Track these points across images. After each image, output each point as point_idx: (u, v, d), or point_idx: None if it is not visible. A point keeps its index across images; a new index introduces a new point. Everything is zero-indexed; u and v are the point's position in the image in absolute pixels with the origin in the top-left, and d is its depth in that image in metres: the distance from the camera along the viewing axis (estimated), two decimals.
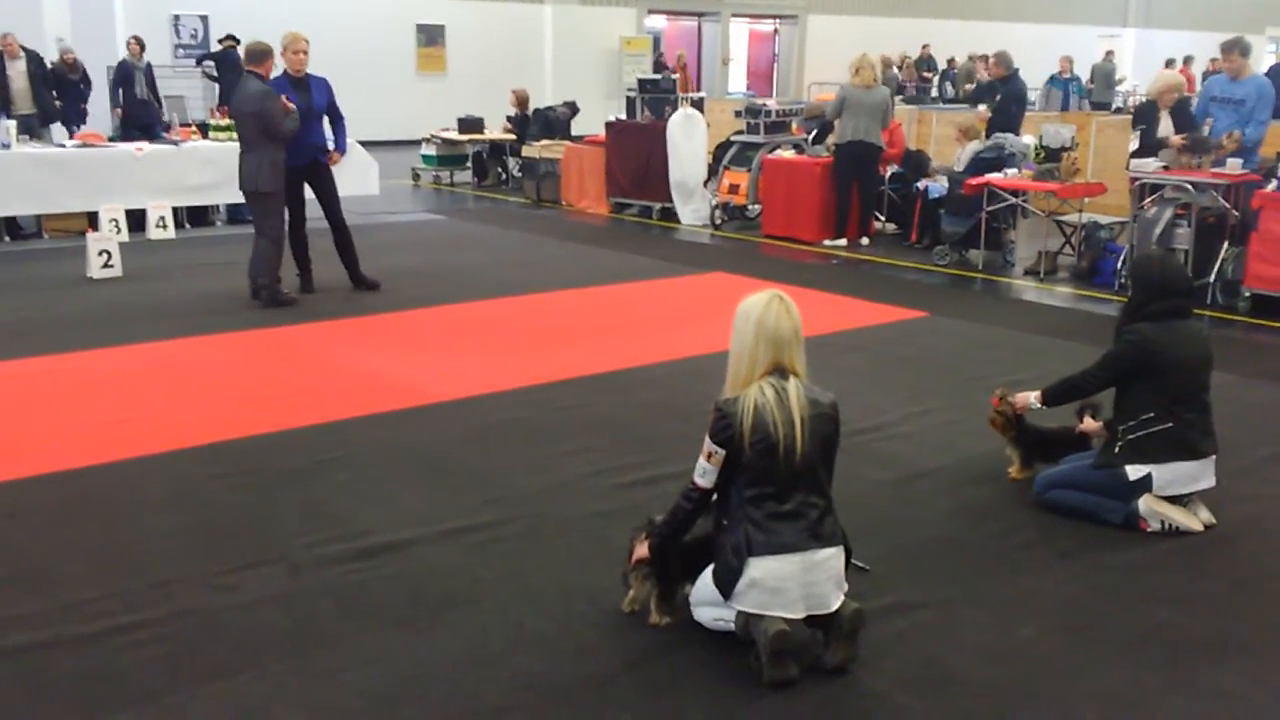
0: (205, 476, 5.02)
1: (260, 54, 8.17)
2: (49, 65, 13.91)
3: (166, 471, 5.08)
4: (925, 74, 24.27)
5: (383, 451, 5.36)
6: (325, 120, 8.74)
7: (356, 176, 11.86)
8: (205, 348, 7.22)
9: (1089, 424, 4.89)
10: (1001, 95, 11.52)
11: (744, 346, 3.49)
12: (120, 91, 14.22)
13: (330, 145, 8.80)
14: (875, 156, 11.20)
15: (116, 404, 6.07)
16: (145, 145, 11.56)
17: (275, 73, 8.33)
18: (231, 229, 11.70)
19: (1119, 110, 18.50)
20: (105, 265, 9.34)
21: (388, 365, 6.85)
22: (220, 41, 16.11)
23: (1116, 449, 4.51)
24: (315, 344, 7.38)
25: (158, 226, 11.33)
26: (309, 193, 8.70)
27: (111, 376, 6.59)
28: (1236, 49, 9.00)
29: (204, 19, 19.56)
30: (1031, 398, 4.85)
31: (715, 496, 3.56)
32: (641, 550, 3.64)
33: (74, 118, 14.04)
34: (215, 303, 8.42)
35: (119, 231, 10.69)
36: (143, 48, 14.66)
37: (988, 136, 10.80)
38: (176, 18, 19.53)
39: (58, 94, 13.92)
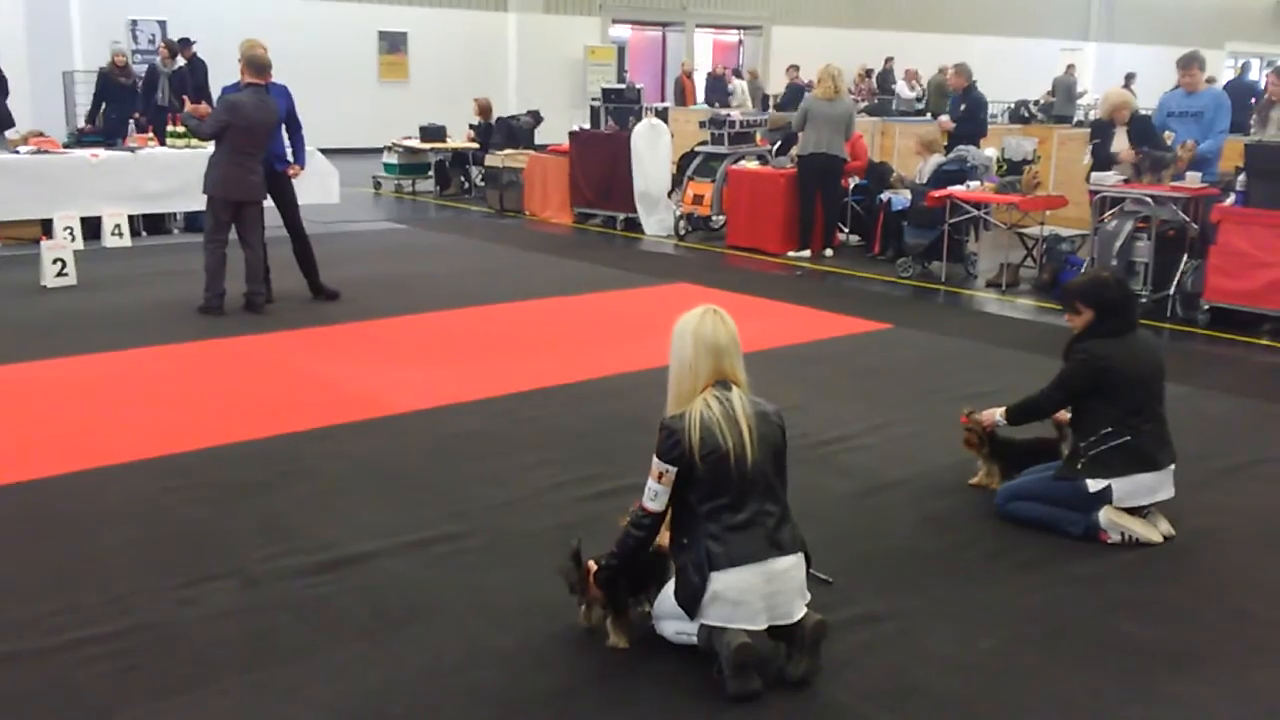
0: (162, 489, 4.95)
1: (267, 65, 8.18)
2: (102, 69, 13.80)
3: (122, 484, 5.00)
4: (887, 91, 24.50)
5: (342, 464, 5.31)
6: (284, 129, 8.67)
7: (317, 185, 11.73)
8: (162, 358, 7.13)
9: (1060, 414, 4.92)
10: (967, 105, 11.60)
11: (683, 361, 3.49)
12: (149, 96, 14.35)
13: (289, 155, 8.73)
14: (838, 168, 11.24)
15: (71, 415, 5.98)
16: (101, 152, 11.41)
17: (231, 80, 8.29)
18: (188, 237, 11.52)
19: (1080, 123, 18.69)
20: (60, 274, 9.20)
21: (347, 376, 6.79)
22: (183, 52, 15.79)
23: (1079, 465, 4.55)
24: (274, 354, 7.30)
25: (113, 234, 11.18)
26: (268, 201, 8.62)
27: (66, 387, 6.48)
28: (1195, 63, 9.13)
29: (162, 24, 19.34)
30: (997, 414, 4.88)
31: (670, 517, 3.52)
32: (595, 592, 3.60)
33: (121, 127, 13.57)
34: (172, 312, 8.32)
35: (74, 239, 10.53)
36: (173, 54, 14.54)
37: (950, 149, 10.87)
38: (134, 22, 19.32)
39: (107, 100, 13.66)
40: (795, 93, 21.74)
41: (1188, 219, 8.77)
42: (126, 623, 3.75)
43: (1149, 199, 8.79)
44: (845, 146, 11.21)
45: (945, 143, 11.01)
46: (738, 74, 24.28)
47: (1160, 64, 25.60)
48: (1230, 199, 8.45)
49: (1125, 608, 4.00)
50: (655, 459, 3.43)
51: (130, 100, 13.99)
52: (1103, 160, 9.29)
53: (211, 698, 3.33)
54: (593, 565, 3.61)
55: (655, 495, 3.44)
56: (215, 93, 10.11)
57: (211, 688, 3.38)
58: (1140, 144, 9.15)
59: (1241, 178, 8.37)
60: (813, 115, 11.10)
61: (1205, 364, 7.55)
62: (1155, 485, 4.54)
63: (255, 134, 8.10)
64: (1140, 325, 4.73)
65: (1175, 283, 8.81)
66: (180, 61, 14.61)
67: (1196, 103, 9.11)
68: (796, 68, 23.88)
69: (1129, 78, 25.25)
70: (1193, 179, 8.74)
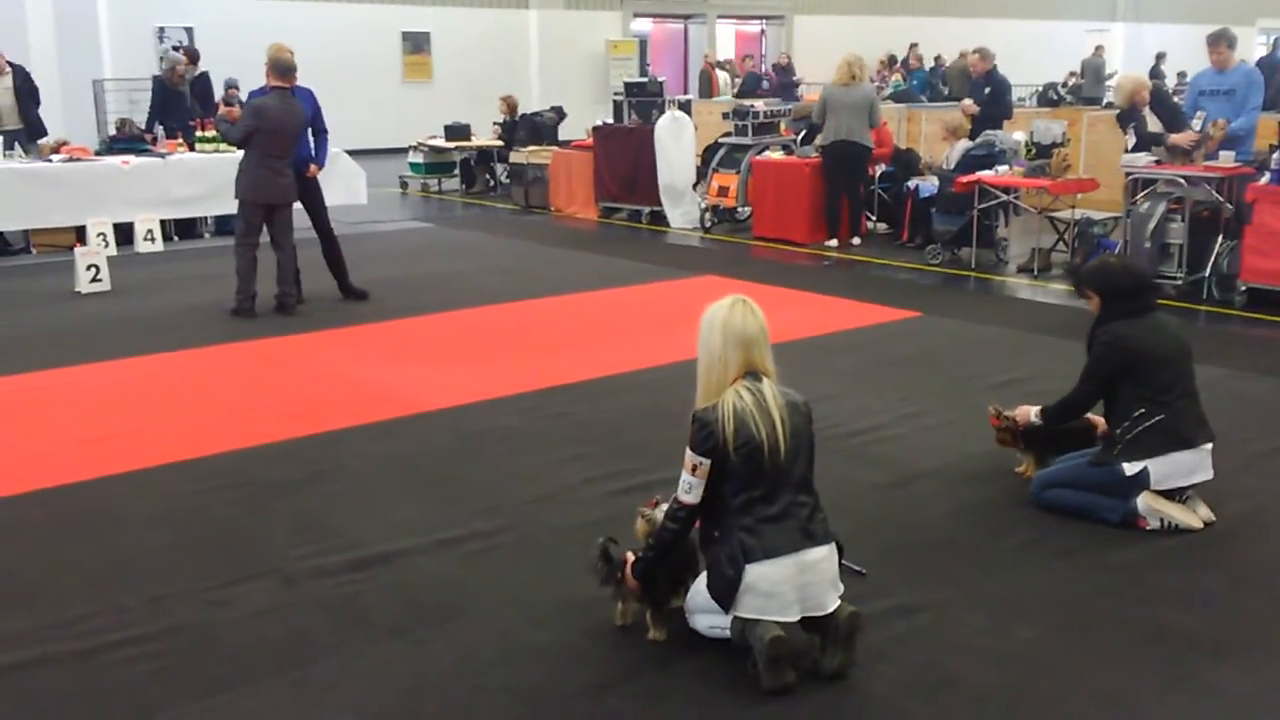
0: (196, 490, 4.98)
1: (291, 68, 8.21)
2: (158, 77, 13.82)
3: (157, 486, 5.04)
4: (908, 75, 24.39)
5: (374, 462, 5.32)
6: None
7: (344, 186, 11.80)
8: (195, 361, 7.18)
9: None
10: (991, 88, 11.47)
11: (713, 352, 3.47)
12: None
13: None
14: (861, 156, 11.11)
15: (106, 419, 6.03)
16: (132, 158, 11.50)
17: (258, 84, 8.33)
18: (219, 241, 11.61)
19: (1110, 105, 18.49)
20: (94, 280, 9.29)
21: (378, 375, 6.81)
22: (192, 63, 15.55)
23: (1115, 451, 4.49)
24: (305, 355, 7.34)
25: (146, 240, 11.27)
26: (297, 203, 8.66)
27: (101, 391, 6.54)
28: (1223, 41, 8.99)
29: (189, 31, 19.47)
30: (1032, 414, 4.85)
31: (701, 509, 3.51)
32: (631, 584, 3.59)
33: (182, 133, 13.29)
34: (204, 315, 8.37)
35: (107, 245, 10.62)
36: (194, 61, 14.53)
37: (975, 134, 10.76)
38: (161, 30, 19.45)
39: (164, 109, 13.70)
40: (754, 81, 21.88)
41: (1222, 199, 8.64)
42: (163, 624, 3.78)
43: (1182, 180, 8.67)
44: (870, 133, 11.11)
45: (969, 127, 10.90)
46: (721, 66, 24.23)
47: (1190, 43, 25.26)
48: (1265, 178, 8.31)
49: (1164, 596, 3.95)
50: (689, 451, 3.41)
51: (185, 107, 13.96)
52: (1145, 139, 9.10)
53: (248, 698, 3.35)
54: (630, 557, 3.60)
55: (690, 488, 3.43)
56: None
57: (248, 688, 3.40)
58: (1169, 124, 9.01)
59: (1276, 156, 8.23)
60: (831, 103, 11.02)
61: (1243, 346, 7.45)
62: (1193, 465, 4.48)
63: (282, 137, 8.14)
64: (1159, 306, 4.69)
65: (1210, 264, 8.68)
66: (200, 68, 14.65)
67: (1227, 80, 8.96)
68: (750, 57, 24.26)
69: (1159, 57, 24.95)
70: (1226, 158, 8.61)
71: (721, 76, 23.36)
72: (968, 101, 11.55)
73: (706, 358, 3.49)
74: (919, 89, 21.31)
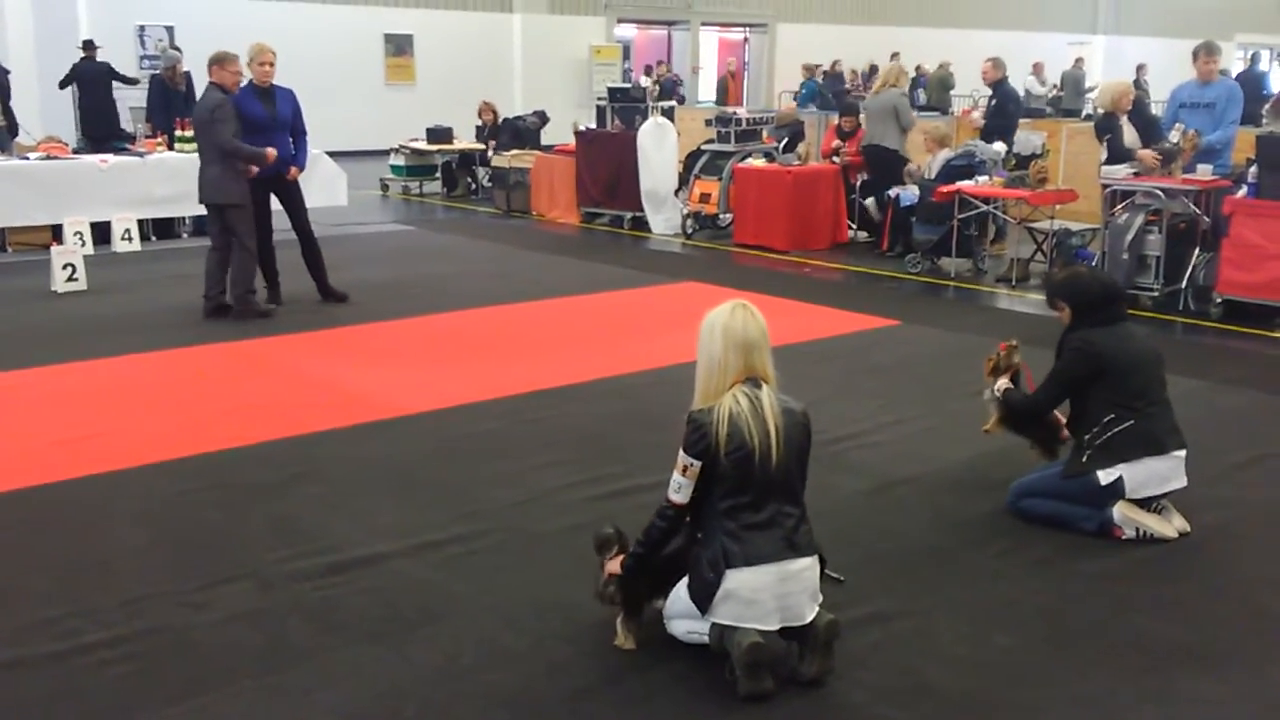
0: (174, 492, 4.95)
1: (214, 60, 8.15)
2: (156, 77, 13.66)
3: (134, 487, 5.01)
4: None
5: (353, 465, 5.31)
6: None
7: (324, 187, 11.74)
8: (172, 361, 7.14)
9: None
10: (997, 99, 11.57)
11: (713, 356, 3.47)
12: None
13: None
14: (886, 158, 11.35)
15: (83, 419, 5.98)
16: (110, 157, 11.43)
17: (241, 84, 8.27)
18: (197, 241, 11.50)
19: (1089, 117, 18.62)
20: (70, 279, 9.22)
21: (357, 378, 6.79)
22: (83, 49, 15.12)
23: (1085, 458, 4.52)
24: (284, 357, 7.31)
25: (123, 239, 11.19)
26: (275, 204, 8.63)
27: (77, 391, 6.49)
28: (1215, 52, 9.06)
29: (169, 30, 19.38)
30: (1000, 384, 4.91)
31: (689, 510, 3.52)
32: (613, 565, 3.59)
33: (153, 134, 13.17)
34: (182, 316, 8.32)
35: (84, 244, 10.53)
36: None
37: (985, 140, 10.88)
38: (141, 28, 19.36)
39: (163, 107, 13.48)
40: (669, 86, 22.13)
41: (1199, 211, 8.72)
42: (139, 626, 3.76)
43: (1160, 191, 8.74)
44: (900, 137, 11.33)
45: (978, 139, 11.05)
46: (647, 72, 24.24)
47: (1169, 56, 25.51)
48: (1242, 191, 8.40)
49: (1140, 605, 3.98)
50: (681, 452, 3.41)
51: (181, 106, 13.78)
52: (1119, 154, 9.16)
53: (224, 701, 3.33)
54: (623, 557, 3.61)
55: (679, 488, 3.43)
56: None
57: (225, 691, 3.38)
58: (1144, 133, 9.07)
59: (1253, 169, 8.31)
60: (865, 110, 11.75)
61: (1218, 358, 7.51)
62: (1167, 473, 4.51)
63: (200, 135, 8.28)
64: (1129, 317, 4.74)
65: (1187, 276, 8.76)
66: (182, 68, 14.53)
67: (1209, 94, 9.03)
68: (663, 62, 24.88)
69: (1139, 69, 25.15)
70: (1204, 171, 8.68)
71: (645, 82, 23.48)
72: (976, 114, 11.71)
73: (706, 361, 3.49)
74: (805, 99, 20.90)
